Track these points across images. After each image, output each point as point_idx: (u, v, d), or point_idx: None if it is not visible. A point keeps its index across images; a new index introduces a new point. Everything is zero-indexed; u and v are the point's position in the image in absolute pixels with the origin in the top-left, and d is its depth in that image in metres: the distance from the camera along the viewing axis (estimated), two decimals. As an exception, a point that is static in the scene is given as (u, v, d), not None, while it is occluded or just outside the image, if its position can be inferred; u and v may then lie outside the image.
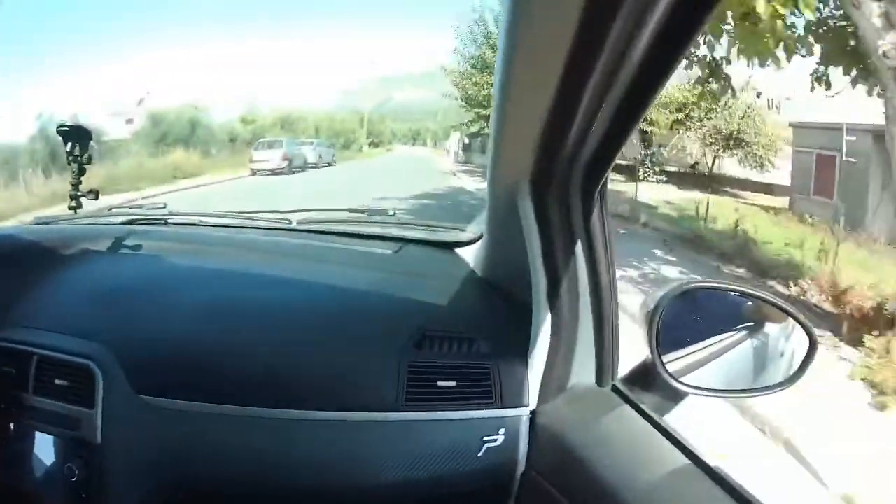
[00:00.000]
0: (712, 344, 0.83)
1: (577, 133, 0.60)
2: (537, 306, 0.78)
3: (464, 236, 1.15)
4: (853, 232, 8.09)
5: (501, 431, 0.79)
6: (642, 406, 0.72)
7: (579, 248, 0.75)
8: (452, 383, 0.81)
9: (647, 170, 13.48)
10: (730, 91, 5.17)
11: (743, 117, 13.21)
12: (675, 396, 0.79)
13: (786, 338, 0.84)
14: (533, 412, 0.80)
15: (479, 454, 0.79)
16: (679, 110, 13.50)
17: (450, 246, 1.15)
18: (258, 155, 15.04)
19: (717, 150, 13.92)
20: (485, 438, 0.79)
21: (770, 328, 0.85)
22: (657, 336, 0.75)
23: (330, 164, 18.47)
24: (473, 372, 0.82)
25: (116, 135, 15.47)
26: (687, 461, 0.63)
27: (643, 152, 14.04)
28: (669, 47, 0.48)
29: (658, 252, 6.61)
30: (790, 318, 0.82)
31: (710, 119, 13.41)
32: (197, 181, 12.33)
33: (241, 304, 0.93)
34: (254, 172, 14.44)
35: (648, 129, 13.69)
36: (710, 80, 5.19)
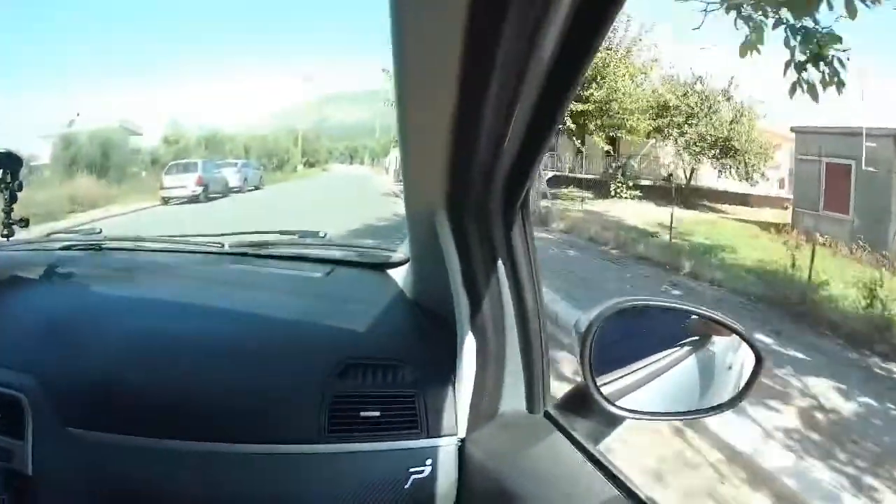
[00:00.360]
0: (653, 363, 0.90)
1: (488, 148, 0.66)
2: (461, 330, 0.85)
3: (395, 257, 1.27)
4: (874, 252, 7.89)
5: (429, 462, 0.86)
6: (574, 434, 0.78)
7: (501, 268, 0.82)
8: (376, 413, 0.88)
9: (620, 184, 13.77)
10: (835, 85, 4.00)
11: (732, 122, 13.66)
12: (613, 421, 0.85)
13: (733, 351, 0.92)
14: (462, 441, 0.87)
15: (407, 486, 0.86)
16: (659, 115, 13.94)
17: (381, 267, 1.27)
18: (169, 180, 14.51)
19: (701, 159, 14.30)
20: (411, 470, 0.86)
21: (717, 342, 0.93)
22: (591, 358, 0.81)
23: (256, 188, 18.26)
24: (397, 400, 0.89)
25: (47, 158, 15.78)
26: (617, 493, 0.69)
27: (613, 164, 14.41)
28: (579, 44, 0.51)
29: (765, 339, 4.81)
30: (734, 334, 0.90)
31: (691, 125, 13.80)
32: (93, 215, 11.87)
33: (168, 335, 1.02)
34: (165, 201, 13.95)
35: (628, 137, 14.04)
36: (807, 66, 4.06)
